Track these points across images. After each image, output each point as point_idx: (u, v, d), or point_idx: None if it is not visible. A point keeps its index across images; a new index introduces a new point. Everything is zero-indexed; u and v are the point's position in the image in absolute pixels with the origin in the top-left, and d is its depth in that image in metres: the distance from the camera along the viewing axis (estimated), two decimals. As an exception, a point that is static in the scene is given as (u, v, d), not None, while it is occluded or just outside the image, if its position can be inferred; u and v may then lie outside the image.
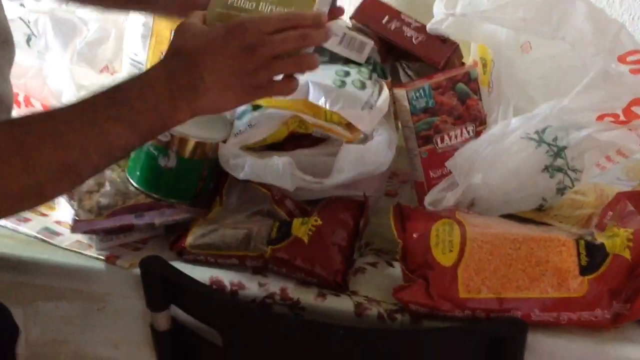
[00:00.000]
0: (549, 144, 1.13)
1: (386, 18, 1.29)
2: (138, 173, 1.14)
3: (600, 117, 1.11)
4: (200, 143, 1.13)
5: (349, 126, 1.15)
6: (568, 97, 1.11)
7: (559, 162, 1.13)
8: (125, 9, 1.26)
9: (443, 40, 1.27)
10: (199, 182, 1.15)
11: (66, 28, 1.39)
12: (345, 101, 1.12)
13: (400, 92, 1.17)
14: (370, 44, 1.19)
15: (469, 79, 1.19)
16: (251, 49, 0.88)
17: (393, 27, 1.28)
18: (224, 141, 1.15)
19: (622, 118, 1.10)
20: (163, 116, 0.87)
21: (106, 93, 0.85)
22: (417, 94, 1.17)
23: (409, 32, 1.28)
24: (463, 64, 1.28)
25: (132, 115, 0.85)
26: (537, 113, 1.14)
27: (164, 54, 0.91)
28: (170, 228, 1.14)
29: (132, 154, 1.15)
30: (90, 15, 1.41)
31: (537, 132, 1.14)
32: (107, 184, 1.14)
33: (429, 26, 1.26)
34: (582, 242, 0.98)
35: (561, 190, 1.16)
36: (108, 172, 1.16)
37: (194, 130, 1.12)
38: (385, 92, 1.16)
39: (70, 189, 0.93)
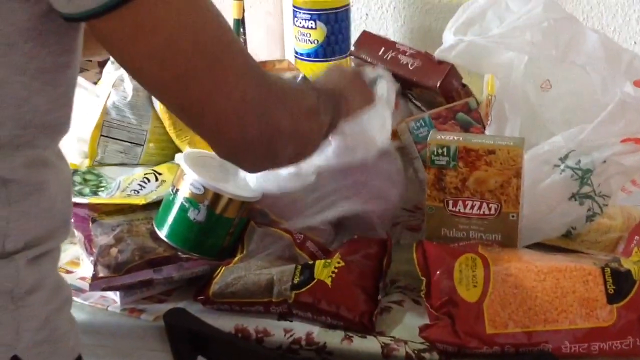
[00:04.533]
0: (573, 168, 1.12)
1: (382, 49, 1.32)
2: (166, 224, 1.14)
3: (622, 142, 1.10)
4: (233, 200, 1.12)
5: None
6: (589, 128, 1.10)
7: (586, 189, 1.12)
8: None
9: (438, 63, 1.27)
10: (225, 238, 1.15)
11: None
12: None
13: (402, 126, 1.18)
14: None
15: (469, 109, 1.18)
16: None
17: (389, 57, 1.30)
18: (256, 201, 1.16)
19: (642, 143, 1.09)
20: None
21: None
22: (418, 124, 1.18)
23: (404, 59, 1.30)
24: (464, 85, 1.28)
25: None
26: (557, 141, 1.13)
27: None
28: (193, 278, 1.14)
29: (163, 204, 1.16)
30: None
31: (560, 159, 1.14)
32: (126, 238, 1.14)
33: (436, 53, 1.26)
34: (608, 270, 0.97)
35: (590, 218, 1.14)
36: (127, 227, 1.17)
37: (228, 187, 1.12)
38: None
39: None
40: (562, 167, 1.13)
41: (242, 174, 1.17)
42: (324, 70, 1.17)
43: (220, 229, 1.14)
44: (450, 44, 1.27)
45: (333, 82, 1.08)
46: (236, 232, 1.15)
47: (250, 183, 1.15)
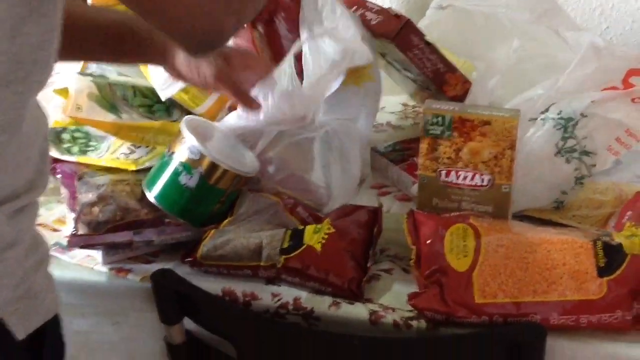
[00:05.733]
0: (554, 119, 1.12)
1: (354, 7, 1.35)
2: (156, 185, 1.12)
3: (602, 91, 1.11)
4: (228, 172, 1.11)
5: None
6: (563, 76, 1.11)
7: (571, 142, 1.12)
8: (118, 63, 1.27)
9: (395, 17, 1.29)
10: (214, 208, 1.13)
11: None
12: None
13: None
14: None
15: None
16: None
17: (358, 14, 1.33)
18: (251, 177, 1.15)
19: (621, 90, 1.10)
20: None
21: None
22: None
23: (369, 15, 1.33)
24: (428, 43, 1.29)
25: None
26: (535, 94, 1.13)
27: None
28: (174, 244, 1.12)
29: (156, 165, 1.15)
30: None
31: (541, 112, 1.13)
32: (109, 198, 1.13)
33: (421, 22, 1.29)
34: (599, 243, 0.96)
35: (579, 180, 1.14)
36: (111, 187, 1.15)
37: (225, 158, 1.11)
38: None
39: None
40: (543, 118, 1.13)
41: (242, 147, 1.16)
42: None
43: (210, 198, 1.13)
44: (431, 14, 1.29)
45: None
46: (226, 203, 1.14)
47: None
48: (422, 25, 1.30)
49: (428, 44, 1.29)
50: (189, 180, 1.10)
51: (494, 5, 1.21)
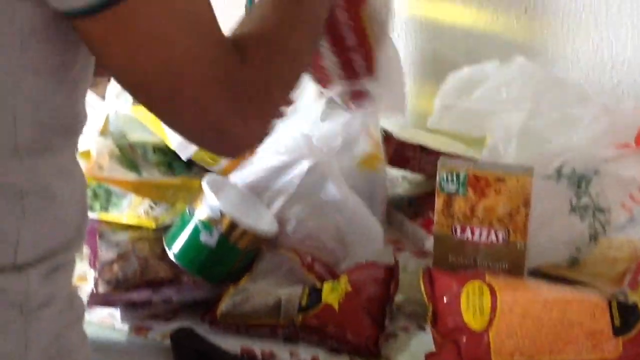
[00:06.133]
0: (568, 177, 1.13)
1: None
2: (177, 243, 1.14)
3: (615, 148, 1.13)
4: (248, 232, 1.13)
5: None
6: (576, 134, 1.13)
7: (584, 200, 1.13)
8: None
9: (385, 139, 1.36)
10: (233, 267, 1.14)
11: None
12: None
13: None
14: None
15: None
16: None
17: None
18: (270, 237, 1.16)
19: (634, 147, 1.12)
20: None
21: None
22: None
23: None
24: (423, 148, 1.39)
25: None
26: (549, 152, 1.15)
27: None
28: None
29: (177, 223, 1.16)
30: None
31: (556, 170, 1.15)
32: (129, 256, 1.15)
33: (428, 123, 1.33)
34: (614, 303, 0.97)
35: (594, 237, 1.15)
36: (131, 244, 1.17)
37: (246, 218, 1.13)
38: None
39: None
40: (557, 176, 1.14)
41: (261, 207, 1.18)
42: None
43: (229, 257, 1.14)
44: (438, 112, 1.32)
45: None
46: (244, 262, 1.15)
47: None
48: (431, 120, 1.34)
49: (423, 149, 1.37)
50: (209, 239, 1.12)
51: (495, 102, 1.24)
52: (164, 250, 1.15)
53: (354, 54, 1.22)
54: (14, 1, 0.72)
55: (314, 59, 1.17)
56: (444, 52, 1.69)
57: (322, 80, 1.26)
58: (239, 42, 0.83)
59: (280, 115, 0.87)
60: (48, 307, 0.82)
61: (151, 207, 1.27)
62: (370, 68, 1.23)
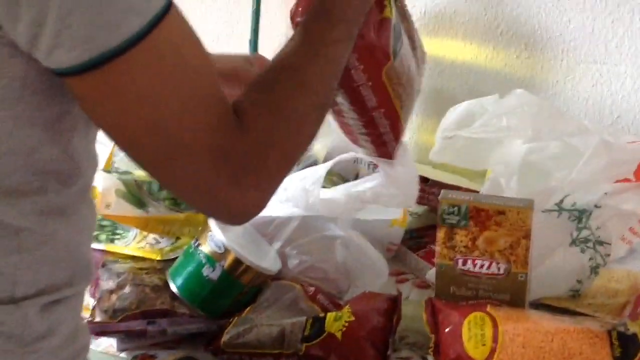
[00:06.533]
0: (569, 210, 1.15)
1: None
2: (181, 276, 1.15)
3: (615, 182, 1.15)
4: (251, 268, 1.14)
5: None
6: (575, 169, 1.14)
7: (585, 233, 1.14)
8: None
9: None
10: (233, 301, 1.15)
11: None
12: None
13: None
14: None
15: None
16: None
17: None
18: (272, 275, 1.18)
19: (633, 182, 1.14)
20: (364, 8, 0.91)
21: (316, 22, 0.87)
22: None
23: None
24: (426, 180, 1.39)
25: (349, 27, 0.89)
26: (549, 187, 1.16)
27: None
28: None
29: (181, 256, 1.18)
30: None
31: (556, 204, 1.17)
32: (127, 286, 1.16)
33: (430, 155, 1.35)
34: (614, 333, 0.98)
35: (594, 269, 1.16)
36: (131, 275, 1.18)
37: (249, 254, 1.14)
38: None
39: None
40: (558, 210, 1.16)
41: (264, 244, 1.19)
42: None
43: (231, 291, 1.15)
44: (439, 144, 1.34)
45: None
46: (246, 297, 1.16)
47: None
48: (433, 152, 1.36)
49: (425, 181, 1.39)
50: (211, 273, 1.13)
51: (496, 130, 1.26)
52: (165, 282, 1.17)
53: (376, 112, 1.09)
54: (6, 57, 0.72)
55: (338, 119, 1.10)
56: (446, 88, 1.73)
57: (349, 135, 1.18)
58: (240, 107, 0.79)
59: (281, 182, 0.83)
60: (47, 340, 0.81)
61: (156, 241, 1.29)
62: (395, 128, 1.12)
